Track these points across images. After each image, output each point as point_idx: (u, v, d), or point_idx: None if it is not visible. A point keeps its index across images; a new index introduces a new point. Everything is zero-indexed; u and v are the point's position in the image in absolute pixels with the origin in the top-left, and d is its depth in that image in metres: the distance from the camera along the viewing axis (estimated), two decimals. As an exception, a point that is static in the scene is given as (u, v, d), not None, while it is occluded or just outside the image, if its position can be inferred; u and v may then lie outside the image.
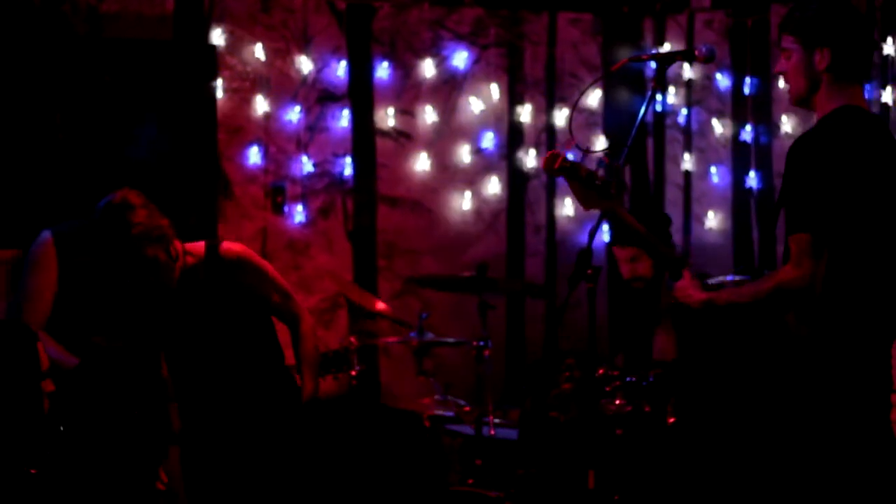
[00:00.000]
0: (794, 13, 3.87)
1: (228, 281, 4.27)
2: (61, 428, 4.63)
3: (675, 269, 4.05)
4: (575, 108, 7.40)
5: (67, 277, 4.64)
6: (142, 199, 4.28)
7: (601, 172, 3.98)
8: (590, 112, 7.69)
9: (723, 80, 7.53)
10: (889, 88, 6.77)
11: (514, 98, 7.63)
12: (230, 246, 4.35)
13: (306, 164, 7.21)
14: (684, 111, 7.64)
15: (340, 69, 7.28)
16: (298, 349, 4.58)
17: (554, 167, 4.01)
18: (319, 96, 7.27)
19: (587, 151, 4.11)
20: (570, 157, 4.10)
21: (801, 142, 3.79)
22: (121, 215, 4.16)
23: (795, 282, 3.68)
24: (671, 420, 5.44)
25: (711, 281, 4.15)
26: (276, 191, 7.18)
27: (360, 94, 7.33)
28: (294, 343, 4.59)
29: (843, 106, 3.84)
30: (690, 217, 7.62)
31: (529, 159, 7.56)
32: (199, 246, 4.33)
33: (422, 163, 7.44)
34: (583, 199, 4.02)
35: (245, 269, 4.34)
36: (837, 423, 3.72)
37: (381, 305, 6.56)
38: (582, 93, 4.58)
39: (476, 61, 7.54)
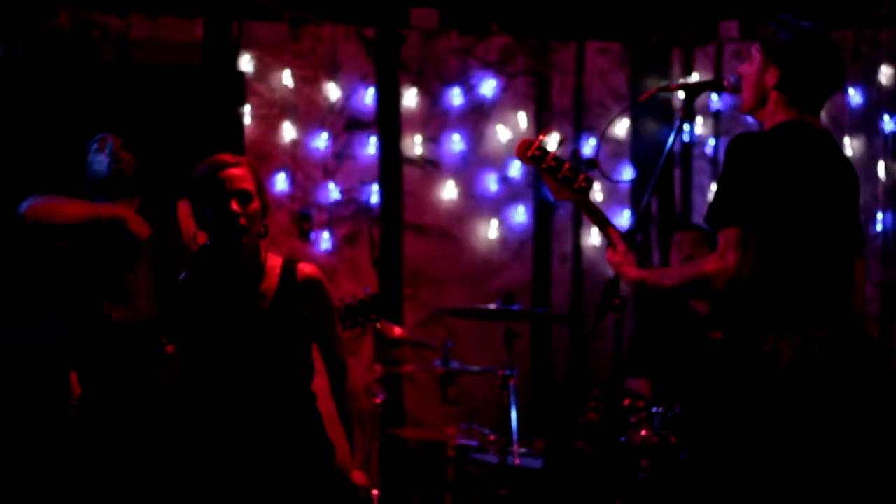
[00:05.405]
0: (770, 25, 3.90)
1: (296, 303, 4.16)
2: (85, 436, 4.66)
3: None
4: (602, 137, 7.39)
5: (76, 250, 4.71)
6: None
7: (569, 165, 4.08)
8: (617, 142, 7.68)
9: (751, 111, 7.51)
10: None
11: (541, 127, 7.62)
12: (305, 267, 4.23)
13: (333, 192, 7.22)
14: (712, 141, 7.62)
15: (368, 97, 7.29)
16: (342, 402, 4.27)
17: (526, 154, 4.11)
18: (347, 123, 7.28)
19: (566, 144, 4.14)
20: (552, 146, 4.16)
21: (741, 139, 3.81)
22: (230, 157, 4.12)
23: (717, 273, 3.68)
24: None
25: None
26: (303, 218, 7.18)
27: (388, 122, 7.34)
28: (338, 395, 4.27)
29: (790, 119, 3.87)
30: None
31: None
32: (278, 259, 4.26)
33: (449, 191, 7.44)
34: (552, 189, 4.17)
35: (315, 294, 4.18)
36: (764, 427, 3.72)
37: (398, 331, 6.56)
38: (610, 122, 4.58)
39: (504, 90, 7.54)
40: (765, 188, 3.69)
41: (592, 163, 4.14)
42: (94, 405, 4.69)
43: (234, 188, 4.07)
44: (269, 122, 7.09)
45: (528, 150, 4.13)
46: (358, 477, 4.28)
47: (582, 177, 4.10)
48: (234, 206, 4.06)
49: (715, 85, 4.18)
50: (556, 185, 4.14)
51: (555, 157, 4.11)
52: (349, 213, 7.30)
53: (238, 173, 4.09)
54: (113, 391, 4.67)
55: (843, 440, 3.70)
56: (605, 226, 4.09)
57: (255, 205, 4.10)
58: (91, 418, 4.68)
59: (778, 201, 3.71)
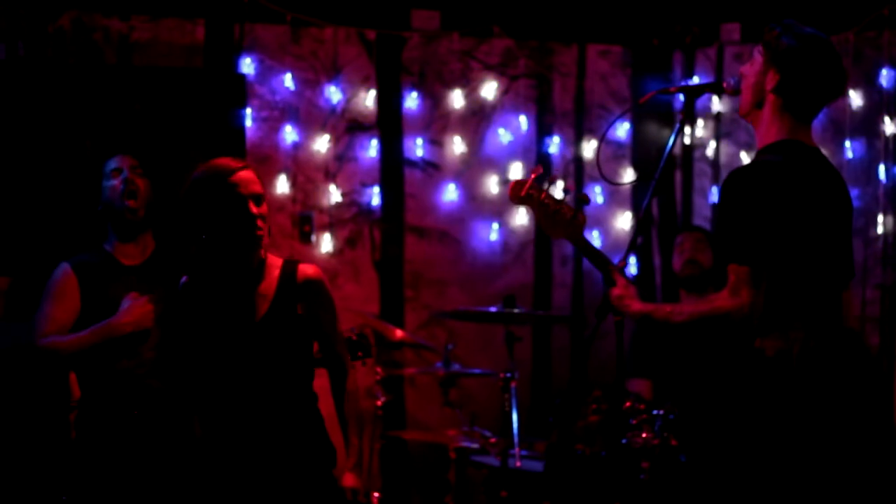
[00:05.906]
0: (775, 29, 3.91)
1: (296, 303, 4.16)
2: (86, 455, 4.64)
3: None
4: (603, 140, 7.39)
5: (90, 306, 4.65)
6: None
7: (558, 202, 4.07)
8: (618, 144, 7.69)
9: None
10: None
11: (542, 129, 7.63)
12: (306, 268, 4.21)
13: (334, 194, 7.21)
14: (713, 144, 7.62)
15: (369, 99, 7.29)
16: (341, 402, 4.29)
17: (519, 195, 4.10)
18: (348, 126, 7.28)
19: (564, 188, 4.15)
20: (544, 184, 4.15)
21: (738, 174, 3.84)
22: (234, 161, 4.12)
23: (732, 310, 3.72)
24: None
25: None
26: (304, 220, 7.18)
27: (389, 124, 7.35)
28: (336, 394, 4.31)
29: (783, 140, 3.88)
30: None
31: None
32: (278, 260, 4.26)
33: (450, 193, 7.44)
34: (545, 228, 4.17)
35: (315, 294, 4.16)
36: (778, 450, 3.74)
37: (399, 333, 6.56)
38: (610, 125, 4.56)
39: (505, 92, 7.55)
40: (768, 223, 3.73)
41: (584, 199, 4.14)
42: (96, 413, 4.68)
43: (249, 191, 4.07)
44: (270, 124, 7.09)
45: (521, 191, 4.12)
46: (348, 479, 4.27)
47: (574, 214, 4.11)
48: (253, 208, 4.06)
49: (715, 87, 4.19)
50: (550, 223, 4.14)
51: (546, 195, 4.10)
52: (350, 216, 7.30)
53: (249, 176, 4.10)
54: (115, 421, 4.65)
55: (826, 438, 3.72)
56: (602, 262, 4.11)
57: (266, 206, 4.12)
58: (92, 426, 4.68)
59: (779, 232, 3.74)
